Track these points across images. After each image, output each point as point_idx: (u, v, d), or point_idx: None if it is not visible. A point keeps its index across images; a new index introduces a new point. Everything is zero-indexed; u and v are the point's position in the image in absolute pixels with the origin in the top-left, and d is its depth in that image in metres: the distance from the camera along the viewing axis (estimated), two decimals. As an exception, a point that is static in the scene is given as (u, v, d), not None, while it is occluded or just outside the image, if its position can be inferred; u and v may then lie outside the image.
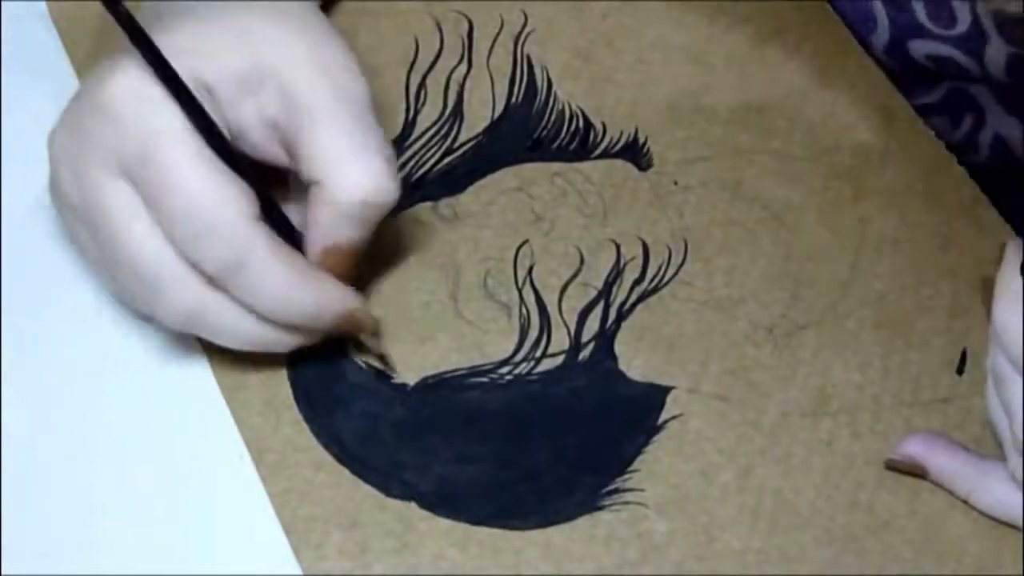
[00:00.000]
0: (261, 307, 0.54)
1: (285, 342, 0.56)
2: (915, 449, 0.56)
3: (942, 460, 0.55)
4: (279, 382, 0.58)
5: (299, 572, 0.54)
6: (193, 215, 0.52)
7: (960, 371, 0.59)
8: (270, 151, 0.56)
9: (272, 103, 0.55)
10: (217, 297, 0.54)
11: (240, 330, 0.55)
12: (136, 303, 0.57)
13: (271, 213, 0.55)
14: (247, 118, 0.56)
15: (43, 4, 0.67)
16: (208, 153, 0.53)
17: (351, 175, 0.55)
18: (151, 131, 0.53)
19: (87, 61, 0.65)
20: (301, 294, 0.54)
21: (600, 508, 0.55)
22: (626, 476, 0.56)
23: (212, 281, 0.54)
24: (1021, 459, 0.53)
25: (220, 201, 0.53)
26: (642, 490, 0.56)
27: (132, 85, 0.53)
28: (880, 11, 0.68)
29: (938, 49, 0.68)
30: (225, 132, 0.54)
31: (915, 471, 0.56)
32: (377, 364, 0.58)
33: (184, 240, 0.53)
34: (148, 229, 0.53)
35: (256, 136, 0.56)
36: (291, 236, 0.56)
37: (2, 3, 0.67)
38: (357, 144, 0.55)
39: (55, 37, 0.66)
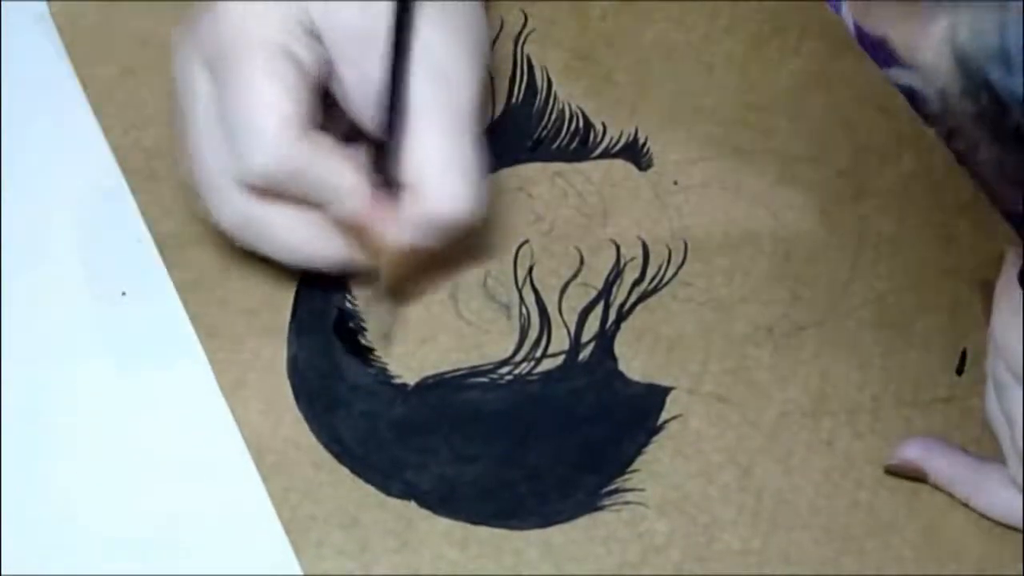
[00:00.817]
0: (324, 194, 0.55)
1: (331, 252, 0.57)
2: (914, 453, 0.55)
3: (941, 464, 0.55)
4: (279, 381, 0.58)
5: (299, 571, 0.54)
6: (242, 114, 0.54)
7: (960, 371, 0.59)
8: (363, 113, 0.57)
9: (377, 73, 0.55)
10: (265, 207, 0.55)
11: (292, 237, 0.56)
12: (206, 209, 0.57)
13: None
14: (347, 71, 0.56)
15: (43, 4, 0.67)
16: (283, 68, 0.54)
17: (443, 191, 0.55)
18: (242, 32, 0.54)
19: (87, 61, 0.65)
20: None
21: (600, 508, 0.55)
22: (626, 476, 0.56)
23: (257, 190, 0.55)
24: (1022, 465, 0.53)
25: (269, 109, 0.54)
26: (642, 490, 0.56)
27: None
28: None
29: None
30: (314, 69, 0.55)
31: (914, 475, 0.56)
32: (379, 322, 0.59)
33: (235, 139, 0.54)
34: (212, 124, 0.55)
35: (353, 94, 0.57)
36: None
37: (2, 3, 0.67)
38: (454, 157, 0.56)
39: (55, 37, 0.66)
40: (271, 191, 0.55)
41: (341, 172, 0.55)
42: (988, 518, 0.55)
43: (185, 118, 0.56)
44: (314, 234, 0.56)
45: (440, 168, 0.55)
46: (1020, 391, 0.52)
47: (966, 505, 0.55)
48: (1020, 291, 0.51)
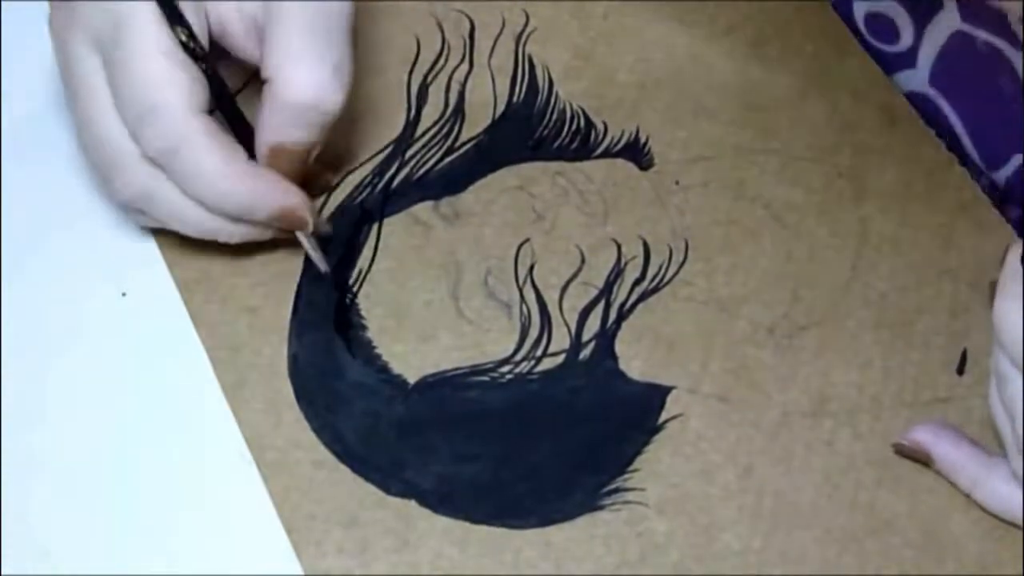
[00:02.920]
0: (195, 194, 0.57)
1: (229, 231, 0.58)
2: (923, 436, 0.56)
3: (948, 451, 0.55)
4: (280, 380, 0.58)
5: (299, 570, 0.54)
6: (139, 96, 0.55)
7: (960, 371, 0.59)
8: (249, 50, 0.59)
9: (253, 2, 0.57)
10: (164, 182, 0.57)
11: (186, 215, 0.58)
12: (97, 175, 0.59)
13: (227, 110, 0.59)
14: (227, 12, 0.58)
15: (44, 4, 0.67)
16: (169, 44, 0.56)
17: (298, 77, 0.57)
18: (127, 15, 0.56)
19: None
20: (233, 185, 0.56)
21: (600, 507, 0.55)
22: (626, 476, 0.56)
23: (156, 164, 0.56)
24: (1023, 459, 0.53)
25: (166, 86, 0.55)
26: (642, 490, 0.56)
27: None
28: None
29: None
30: (202, 26, 0.57)
31: (920, 458, 0.56)
32: (318, 263, 0.59)
33: (131, 120, 0.56)
34: (109, 106, 0.56)
35: (236, 32, 0.59)
36: (245, 134, 0.59)
37: (2, 3, 0.67)
38: (311, 48, 0.57)
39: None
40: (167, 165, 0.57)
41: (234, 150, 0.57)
42: (989, 512, 0.55)
43: (77, 97, 0.58)
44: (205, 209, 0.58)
45: (296, 57, 0.56)
46: (1020, 381, 0.52)
47: (969, 496, 0.55)
48: (1021, 279, 0.51)
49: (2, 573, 0.54)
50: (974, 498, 0.55)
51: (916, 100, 0.67)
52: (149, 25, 0.56)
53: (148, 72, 0.55)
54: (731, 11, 0.68)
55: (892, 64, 0.68)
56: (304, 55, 0.57)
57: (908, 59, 0.68)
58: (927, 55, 0.67)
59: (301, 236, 0.59)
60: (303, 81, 0.56)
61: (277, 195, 0.57)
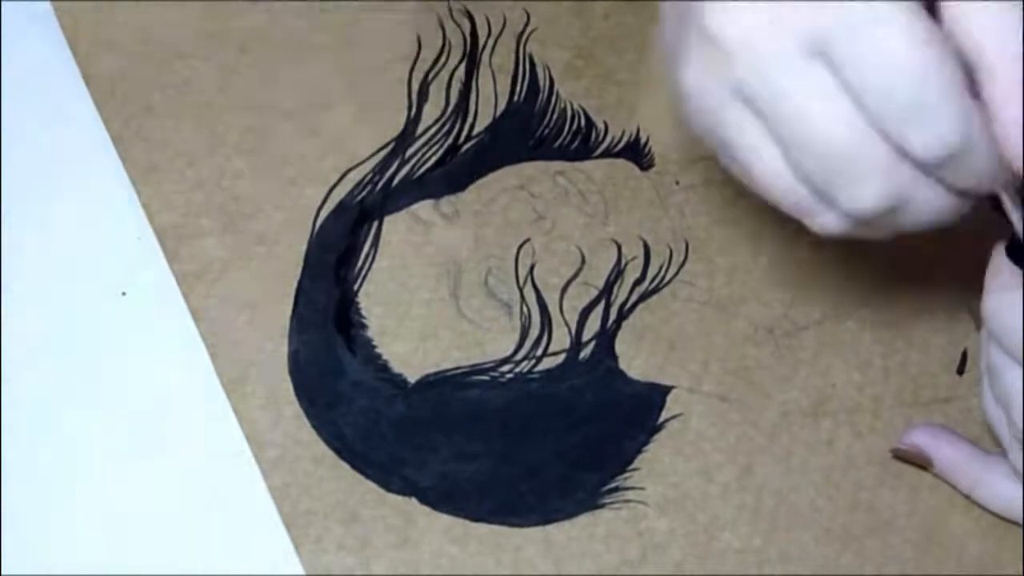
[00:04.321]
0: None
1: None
2: (921, 439, 0.56)
3: (947, 452, 0.55)
4: (280, 377, 0.58)
5: (299, 566, 0.54)
6: (901, 88, 0.44)
7: (960, 371, 0.59)
8: None
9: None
10: (924, 180, 0.46)
11: (946, 210, 0.47)
12: (821, 188, 0.48)
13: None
14: None
15: (43, 3, 0.67)
16: (921, 20, 0.44)
17: None
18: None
19: (89, 56, 0.65)
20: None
21: (600, 506, 0.55)
22: (626, 474, 0.56)
23: (921, 165, 0.46)
24: (1022, 451, 0.53)
25: (933, 73, 0.44)
26: (642, 488, 0.56)
27: None
28: None
29: None
30: None
31: (919, 461, 0.56)
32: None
33: (891, 118, 0.45)
34: (842, 107, 0.45)
35: None
36: None
37: (2, 2, 0.67)
38: None
39: (57, 34, 0.66)
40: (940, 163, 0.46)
41: None
42: (990, 511, 0.55)
43: (783, 113, 0.46)
44: None
45: None
46: (1018, 371, 0.52)
47: (968, 497, 0.55)
48: (1008, 271, 0.51)
49: (2, 573, 0.54)
50: (975, 498, 0.55)
51: None
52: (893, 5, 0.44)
53: (906, 57, 0.44)
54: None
55: None
56: None
57: None
58: None
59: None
60: None
61: None
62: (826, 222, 0.48)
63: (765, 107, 0.47)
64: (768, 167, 0.48)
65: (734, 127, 0.48)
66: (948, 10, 0.45)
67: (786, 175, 0.48)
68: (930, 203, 0.47)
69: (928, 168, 0.46)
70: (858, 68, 0.45)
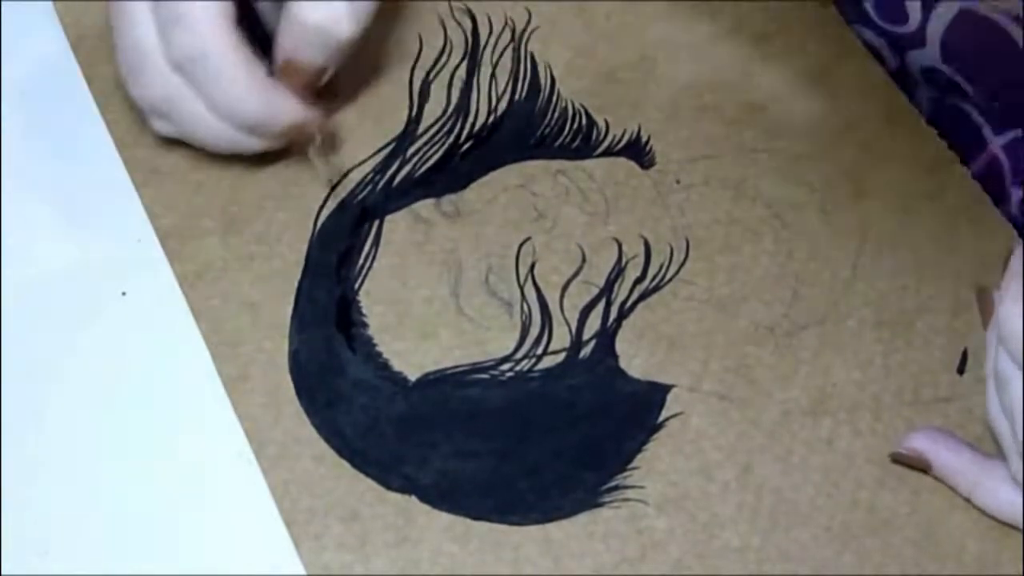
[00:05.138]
0: (214, 101, 0.59)
1: (244, 143, 0.61)
2: (920, 444, 0.56)
3: (946, 456, 0.55)
4: (281, 376, 0.58)
5: (299, 564, 0.54)
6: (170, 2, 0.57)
7: (961, 371, 0.59)
8: None
9: None
10: (186, 88, 0.59)
11: (206, 123, 0.60)
12: (126, 81, 0.60)
13: (251, 23, 0.61)
14: None
15: (49, 4, 0.67)
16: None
17: (313, 4, 0.59)
18: None
19: (92, 57, 0.65)
20: (251, 95, 0.59)
21: (600, 505, 0.56)
22: (626, 473, 0.56)
23: (181, 70, 0.58)
24: (1022, 461, 0.53)
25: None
26: (642, 487, 0.56)
27: None
28: None
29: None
30: None
31: (919, 466, 0.56)
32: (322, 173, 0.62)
33: (160, 25, 0.58)
34: (145, 10, 0.58)
35: None
36: (265, 49, 0.61)
37: (3, 2, 0.67)
38: None
39: (59, 35, 0.66)
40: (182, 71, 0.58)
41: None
42: (989, 515, 0.55)
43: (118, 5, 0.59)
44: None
45: None
46: (1021, 379, 0.52)
47: (968, 501, 0.55)
48: None
49: (2, 573, 0.54)
50: (974, 502, 0.55)
51: (931, 75, 0.67)
52: None
53: None
54: (733, 10, 0.68)
55: (902, 44, 0.68)
56: None
57: (917, 39, 0.68)
58: (934, 32, 0.67)
59: (314, 155, 0.62)
60: (318, 6, 0.59)
61: (291, 109, 0.60)
62: (155, 126, 0.61)
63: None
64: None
65: None
66: None
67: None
68: (193, 111, 0.59)
69: (185, 74, 0.58)
70: None
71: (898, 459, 0.56)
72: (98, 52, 0.65)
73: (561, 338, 0.59)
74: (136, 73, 0.59)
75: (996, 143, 0.68)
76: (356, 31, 0.60)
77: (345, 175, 0.63)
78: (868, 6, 0.69)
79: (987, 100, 0.68)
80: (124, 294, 0.60)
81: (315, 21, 0.59)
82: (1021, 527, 0.55)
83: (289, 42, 0.60)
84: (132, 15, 0.59)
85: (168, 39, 0.58)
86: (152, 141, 0.63)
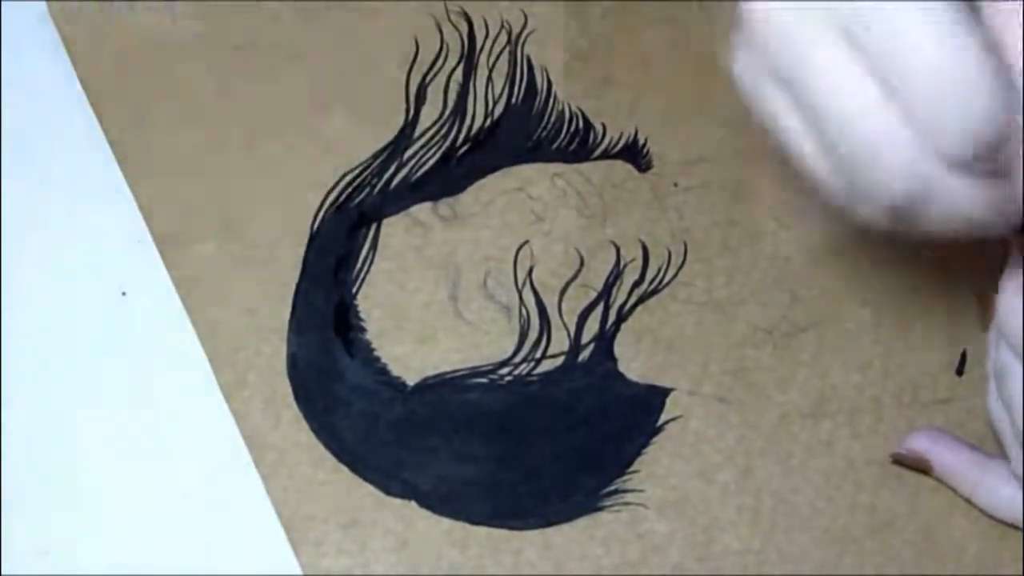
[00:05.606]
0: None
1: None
2: (921, 444, 0.56)
3: (947, 456, 0.55)
4: (279, 380, 0.58)
5: (298, 570, 0.54)
6: (932, 79, 0.44)
7: (960, 372, 0.59)
8: None
9: None
10: (950, 178, 0.45)
11: (957, 217, 0.46)
12: (849, 176, 0.47)
13: None
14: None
15: (43, 4, 0.67)
16: (953, 14, 0.44)
17: None
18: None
19: (86, 59, 0.65)
20: None
21: (600, 509, 0.55)
22: (626, 477, 0.56)
23: (950, 160, 0.45)
24: (1023, 454, 0.53)
25: (966, 68, 0.43)
26: (642, 491, 0.56)
27: None
28: None
29: None
30: None
31: (919, 466, 0.56)
32: None
33: (919, 108, 0.44)
34: (870, 92, 0.45)
35: None
36: None
37: (2, 3, 0.67)
38: None
39: (55, 36, 0.66)
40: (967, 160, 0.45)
41: None
42: (990, 515, 0.55)
43: (811, 93, 0.46)
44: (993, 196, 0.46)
45: None
46: (1020, 369, 0.52)
47: (969, 501, 0.55)
48: None
49: (2, 573, 0.54)
50: (975, 502, 0.55)
51: None
52: None
53: (933, 50, 0.43)
54: (730, 11, 0.68)
55: None
56: None
57: None
58: None
59: None
60: None
61: None
62: (866, 214, 0.47)
63: (797, 89, 0.46)
64: (806, 151, 0.48)
65: (774, 110, 0.48)
66: (984, 8, 0.45)
67: (822, 161, 0.47)
68: (956, 201, 0.46)
69: (955, 164, 0.45)
70: (886, 55, 0.44)
71: (898, 460, 0.56)
72: (93, 55, 0.65)
73: (559, 342, 0.59)
74: (873, 163, 0.45)
75: None
76: None
77: (342, 178, 0.63)
78: None
79: None
80: (124, 294, 0.60)
81: None
82: (1022, 527, 0.54)
83: None
84: (847, 101, 0.45)
85: (942, 128, 0.44)
86: (147, 143, 0.63)
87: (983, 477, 0.55)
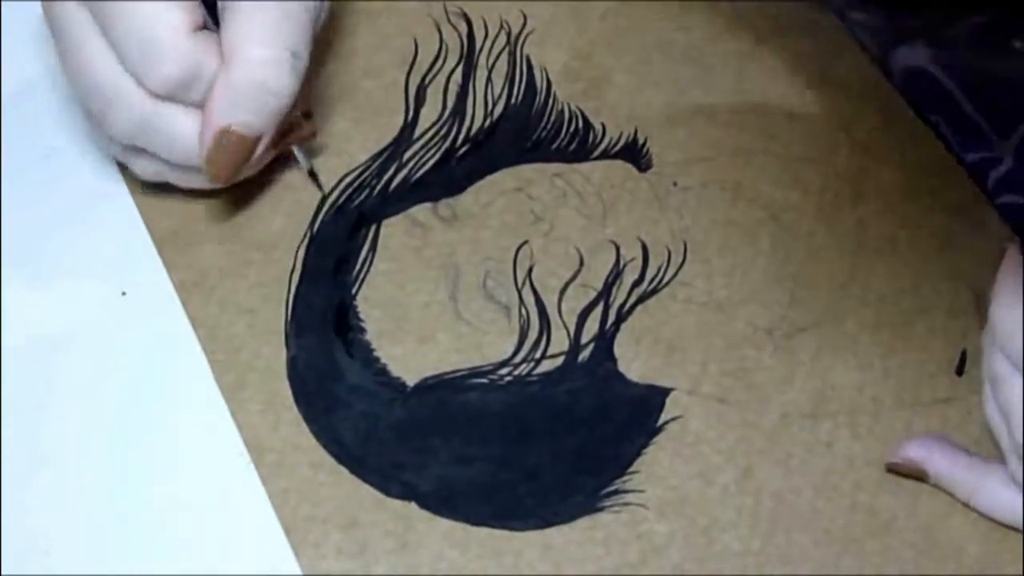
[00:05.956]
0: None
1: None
2: (916, 453, 0.56)
3: (942, 464, 0.55)
4: (279, 382, 0.58)
5: (298, 571, 0.54)
6: (136, 34, 0.56)
7: (960, 372, 0.59)
8: None
9: None
10: (161, 109, 0.57)
11: (187, 144, 0.58)
12: (94, 120, 0.59)
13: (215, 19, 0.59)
14: None
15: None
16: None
17: (252, 55, 0.57)
18: None
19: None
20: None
21: (600, 509, 0.55)
22: (626, 477, 0.56)
23: (158, 95, 0.57)
24: (1021, 463, 0.53)
25: (163, 17, 0.56)
26: (642, 491, 0.56)
27: None
28: None
29: None
30: None
31: (915, 475, 0.56)
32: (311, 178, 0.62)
33: (132, 59, 0.56)
34: (99, 49, 0.57)
35: None
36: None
37: (2, 3, 0.67)
38: (269, 29, 0.57)
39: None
40: (171, 95, 0.57)
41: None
42: (989, 518, 0.55)
43: (70, 51, 0.58)
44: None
45: (253, 37, 0.57)
46: (1018, 380, 0.52)
47: (967, 505, 0.55)
48: (1020, 276, 0.51)
49: (2, 573, 0.54)
50: (973, 506, 0.55)
51: (915, 76, 0.66)
52: None
53: (138, 6, 0.56)
54: (729, 12, 0.68)
55: (887, 38, 0.67)
56: (261, 35, 0.57)
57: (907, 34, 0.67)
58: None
59: (298, 152, 0.62)
60: (257, 59, 0.57)
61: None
62: (135, 167, 0.60)
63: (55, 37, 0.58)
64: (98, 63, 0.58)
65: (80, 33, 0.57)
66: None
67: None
68: (172, 132, 0.58)
69: (162, 97, 0.57)
70: (103, 14, 0.56)
71: (894, 468, 0.56)
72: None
73: (559, 342, 0.59)
74: (108, 109, 0.58)
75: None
76: (296, 86, 0.58)
77: (342, 179, 0.63)
78: None
79: (973, 111, 0.67)
80: (124, 294, 0.60)
81: (256, 78, 0.57)
82: (1022, 528, 0.54)
83: (225, 105, 0.57)
84: (90, 58, 0.57)
85: (144, 72, 0.56)
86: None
87: (981, 482, 0.54)
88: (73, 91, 0.59)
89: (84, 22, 0.57)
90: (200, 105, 0.57)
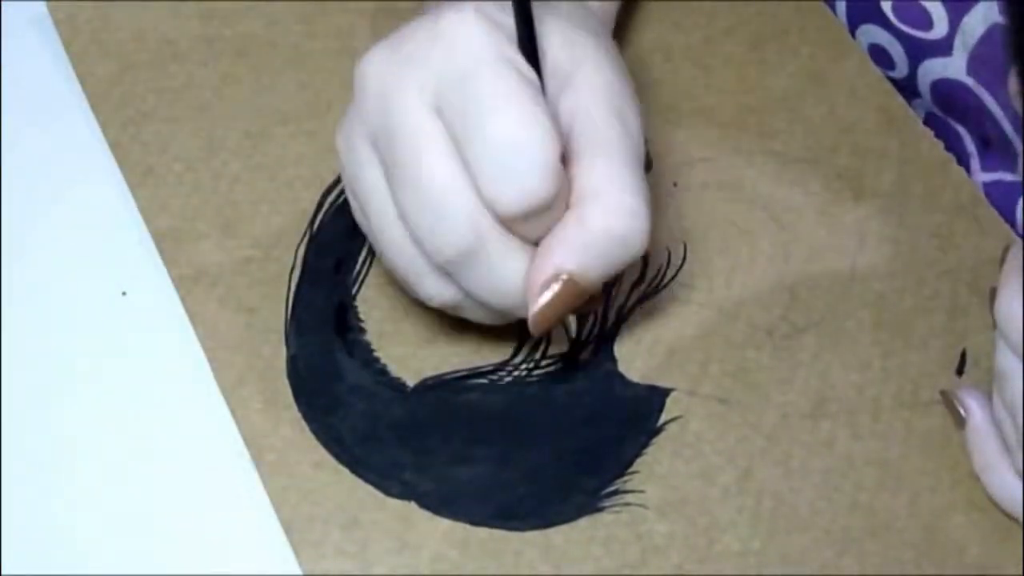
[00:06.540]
0: (493, 298, 0.54)
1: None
2: (971, 402, 0.56)
3: (982, 425, 0.55)
4: (279, 381, 0.57)
5: (298, 571, 0.54)
6: (502, 149, 0.50)
7: (960, 372, 0.59)
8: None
9: (565, 114, 0.53)
10: (499, 237, 0.52)
11: (508, 278, 0.53)
12: (419, 231, 0.52)
13: None
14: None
15: (42, 4, 0.67)
16: (529, 92, 0.51)
17: (616, 203, 0.52)
18: (476, 57, 0.51)
19: (85, 59, 0.65)
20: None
21: (600, 509, 0.55)
22: (626, 478, 0.56)
23: (504, 221, 0.52)
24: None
25: (532, 141, 0.50)
26: (642, 491, 0.56)
27: (468, 18, 0.51)
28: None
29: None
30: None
31: (956, 416, 0.56)
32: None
33: (486, 175, 0.51)
34: (446, 154, 0.51)
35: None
36: None
37: (1, 3, 0.67)
38: (631, 177, 0.53)
39: (54, 36, 0.66)
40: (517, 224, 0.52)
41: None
42: (990, 498, 0.55)
43: (399, 150, 0.52)
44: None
45: (618, 186, 0.52)
46: (1021, 372, 0.52)
47: (978, 478, 0.55)
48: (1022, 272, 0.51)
49: (2, 573, 0.54)
50: (982, 481, 0.55)
51: (951, 88, 0.66)
52: (505, 68, 0.51)
53: (508, 120, 0.50)
54: (729, 12, 0.68)
55: (923, 50, 0.67)
56: (626, 183, 0.52)
57: (942, 47, 0.66)
58: (963, 44, 0.65)
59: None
60: (624, 209, 0.52)
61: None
62: (427, 288, 0.54)
63: (383, 148, 0.52)
64: (382, 211, 0.53)
65: (364, 172, 0.53)
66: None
67: (397, 227, 0.53)
68: (502, 261, 0.52)
69: (508, 221, 0.51)
70: (465, 126, 0.51)
71: (946, 397, 0.56)
72: (92, 55, 0.65)
73: (559, 342, 0.59)
74: (439, 220, 0.51)
75: (981, 177, 0.68)
76: (647, 238, 0.53)
77: (342, 178, 0.63)
78: (887, 7, 0.68)
79: (998, 124, 0.66)
80: (124, 294, 0.60)
81: (618, 230, 0.52)
82: (1022, 518, 0.55)
83: (572, 251, 0.52)
84: (427, 161, 0.51)
85: (498, 192, 0.51)
86: (147, 142, 0.63)
87: (997, 459, 0.54)
88: (398, 202, 0.53)
89: (431, 129, 0.52)
90: (528, 240, 0.53)
